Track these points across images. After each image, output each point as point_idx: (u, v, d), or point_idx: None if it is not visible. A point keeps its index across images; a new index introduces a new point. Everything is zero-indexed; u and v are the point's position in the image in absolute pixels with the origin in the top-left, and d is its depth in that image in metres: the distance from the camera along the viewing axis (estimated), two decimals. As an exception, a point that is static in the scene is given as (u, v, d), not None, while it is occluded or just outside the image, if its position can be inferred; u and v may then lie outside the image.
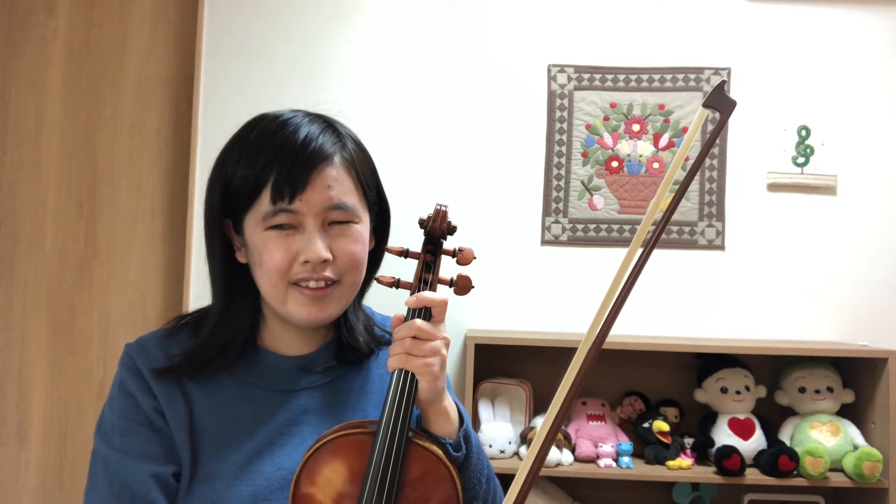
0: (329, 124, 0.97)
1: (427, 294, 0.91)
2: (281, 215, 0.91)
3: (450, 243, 0.97)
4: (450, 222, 0.96)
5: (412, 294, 0.93)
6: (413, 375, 0.89)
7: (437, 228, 0.95)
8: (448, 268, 0.93)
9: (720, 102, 0.83)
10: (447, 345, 0.92)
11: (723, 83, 0.85)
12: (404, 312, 0.93)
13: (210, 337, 0.97)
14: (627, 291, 0.78)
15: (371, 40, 2.25)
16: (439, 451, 0.90)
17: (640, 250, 0.80)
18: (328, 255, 0.92)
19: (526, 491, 0.76)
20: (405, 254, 0.95)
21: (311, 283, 0.92)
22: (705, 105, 0.84)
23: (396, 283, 0.94)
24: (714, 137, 0.86)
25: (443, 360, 0.91)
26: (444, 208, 0.96)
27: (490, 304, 2.20)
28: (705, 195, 2.21)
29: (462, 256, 0.95)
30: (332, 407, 1.00)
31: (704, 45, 2.22)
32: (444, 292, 0.94)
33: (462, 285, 0.94)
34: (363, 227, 0.96)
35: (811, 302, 2.20)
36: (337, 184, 0.92)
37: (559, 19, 2.24)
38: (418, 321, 0.90)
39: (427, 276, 0.96)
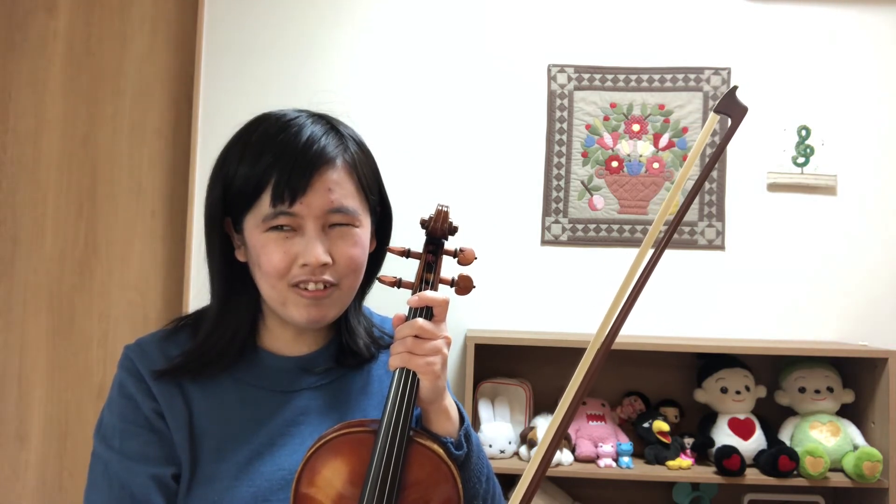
0: (332, 126, 0.96)
1: (429, 293, 0.91)
2: (281, 217, 0.91)
3: (451, 243, 0.97)
4: (451, 223, 0.96)
5: (414, 293, 0.93)
6: (414, 374, 0.89)
7: (438, 229, 0.95)
8: (449, 268, 0.93)
9: (731, 108, 0.83)
10: (448, 344, 0.92)
11: (734, 88, 0.84)
12: (406, 312, 0.93)
13: (209, 336, 0.96)
14: (638, 293, 0.78)
15: (371, 41, 2.25)
16: (440, 450, 0.90)
17: (650, 251, 0.79)
18: (327, 259, 0.91)
19: (531, 494, 0.76)
20: (407, 254, 0.95)
21: (311, 286, 0.92)
22: (716, 110, 0.83)
23: (398, 283, 0.94)
24: (725, 143, 0.85)
25: (444, 358, 0.91)
26: (445, 209, 0.96)
27: (490, 304, 2.20)
28: (705, 195, 2.21)
29: (463, 256, 0.95)
30: (333, 407, 0.99)
31: (704, 45, 2.23)
32: (445, 292, 0.94)
33: (463, 285, 0.94)
34: (363, 231, 0.96)
35: (811, 302, 2.20)
36: (338, 187, 0.92)
37: (559, 19, 2.24)
38: (420, 320, 0.90)
39: (428, 275, 0.96)
